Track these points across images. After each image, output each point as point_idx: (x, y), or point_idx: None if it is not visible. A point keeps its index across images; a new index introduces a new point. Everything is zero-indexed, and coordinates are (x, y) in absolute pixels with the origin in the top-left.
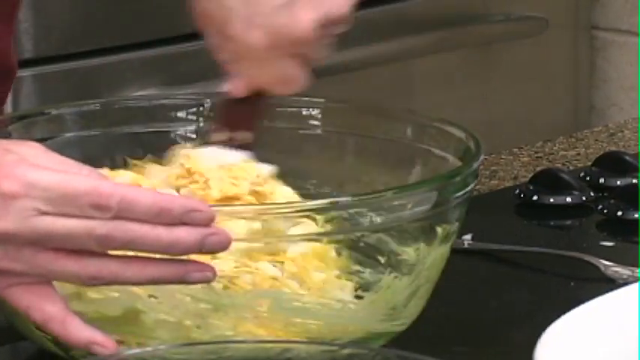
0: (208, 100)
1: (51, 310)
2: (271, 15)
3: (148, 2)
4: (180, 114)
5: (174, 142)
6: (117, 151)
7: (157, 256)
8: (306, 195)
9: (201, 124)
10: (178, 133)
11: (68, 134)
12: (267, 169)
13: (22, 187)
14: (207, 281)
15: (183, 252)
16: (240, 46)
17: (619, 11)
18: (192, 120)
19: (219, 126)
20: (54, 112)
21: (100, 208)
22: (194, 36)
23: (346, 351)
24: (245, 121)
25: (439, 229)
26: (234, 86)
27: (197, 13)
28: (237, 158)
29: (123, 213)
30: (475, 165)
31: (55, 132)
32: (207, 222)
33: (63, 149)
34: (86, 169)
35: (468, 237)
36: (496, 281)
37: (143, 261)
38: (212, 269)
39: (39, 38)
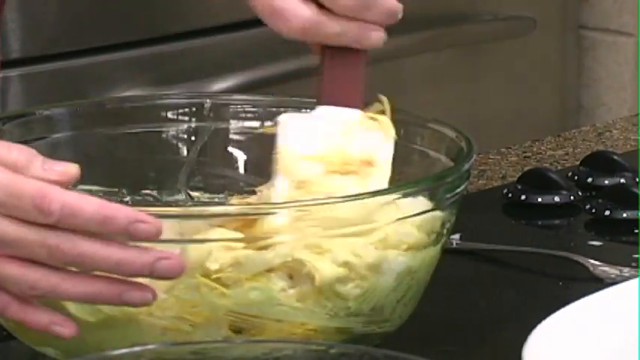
0: (208, 101)
1: (4, 298)
2: None
3: (136, 2)
4: (172, 114)
5: (166, 142)
6: (107, 152)
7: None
8: None
9: (193, 125)
10: (170, 133)
11: (57, 135)
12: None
13: None
14: (146, 303)
15: (132, 273)
16: None
17: (607, 11)
18: (184, 120)
19: (326, 90)
20: (44, 112)
21: (42, 212)
22: (182, 36)
23: (334, 351)
24: (351, 78)
25: (431, 230)
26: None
27: None
28: (350, 116)
29: (66, 219)
30: (467, 165)
31: (43, 132)
32: (151, 236)
33: (52, 150)
34: (26, 151)
35: (456, 237)
36: (484, 281)
37: (83, 277)
38: (152, 291)
39: (26, 38)
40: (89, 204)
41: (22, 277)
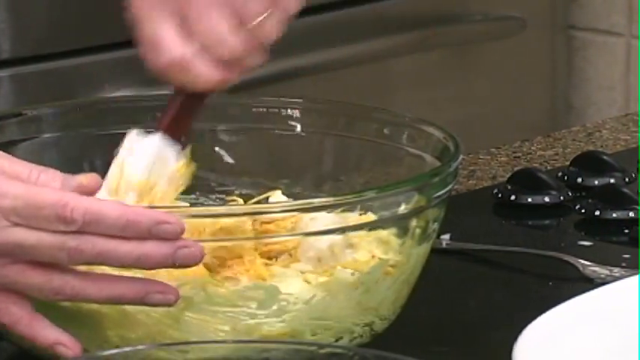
0: None
1: (17, 312)
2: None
3: (125, 2)
4: (160, 115)
5: None
6: (96, 152)
7: (123, 274)
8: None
9: None
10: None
11: (46, 135)
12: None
13: None
14: (169, 304)
15: (153, 266)
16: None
17: (597, 11)
18: None
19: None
20: (31, 112)
21: (64, 221)
22: None
23: (324, 351)
24: (185, 121)
25: (418, 229)
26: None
27: None
28: (173, 151)
29: (89, 226)
30: (454, 165)
31: (32, 133)
32: (177, 235)
33: (41, 150)
34: (59, 178)
35: (446, 237)
36: (474, 281)
37: (106, 279)
38: (175, 292)
39: (15, 39)
40: (112, 210)
41: (46, 284)
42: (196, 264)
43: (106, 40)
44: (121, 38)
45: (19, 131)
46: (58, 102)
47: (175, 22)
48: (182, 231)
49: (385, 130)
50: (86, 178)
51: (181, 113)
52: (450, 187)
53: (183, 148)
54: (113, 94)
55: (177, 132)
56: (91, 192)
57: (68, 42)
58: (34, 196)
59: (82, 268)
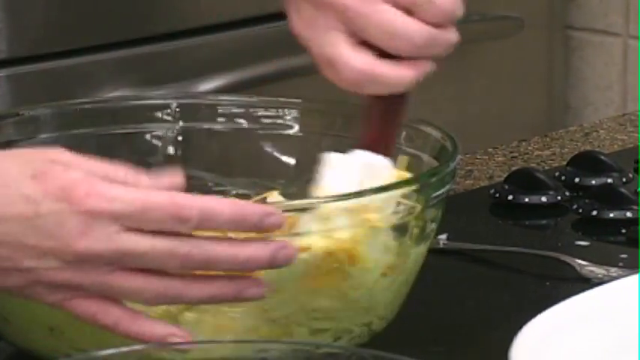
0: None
1: (117, 312)
2: None
3: (123, 2)
4: (157, 115)
5: (150, 143)
6: (93, 152)
7: (213, 273)
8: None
9: (181, 125)
10: (155, 133)
11: (43, 135)
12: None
13: (106, 205)
14: (260, 297)
15: (256, 268)
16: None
17: (594, 11)
18: (167, 120)
19: (365, 138)
20: (30, 113)
21: (181, 220)
22: (169, 36)
23: (321, 350)
24: (389, 132)
25: (416, 230)
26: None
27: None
28: (382, 164)
29: (203, 223)
30: (452, 165)
31: (30, 133)
32: (280, 226)
33: None
34: (129, 172)
35: (443, 237)
36: (471, 281)
37: (204, 280)
38: (266, 284)
39: (12, 39)
40: (224, 206)
41: (147, 288)
42: (290, 263)
43: (103, 40)
44: (118, 38)
45: (17, 132)
46: (56, 102)
47: (344, 33)
48: (284, 222)
49: None
50: (176, 177)
51: (383, 122)
52: (448, 187)
53: (391, 156)
54: (111, 95)
55: (381, 142)
56: (178, 190)
57: (65, 42)
58: (146, 198)
59: None
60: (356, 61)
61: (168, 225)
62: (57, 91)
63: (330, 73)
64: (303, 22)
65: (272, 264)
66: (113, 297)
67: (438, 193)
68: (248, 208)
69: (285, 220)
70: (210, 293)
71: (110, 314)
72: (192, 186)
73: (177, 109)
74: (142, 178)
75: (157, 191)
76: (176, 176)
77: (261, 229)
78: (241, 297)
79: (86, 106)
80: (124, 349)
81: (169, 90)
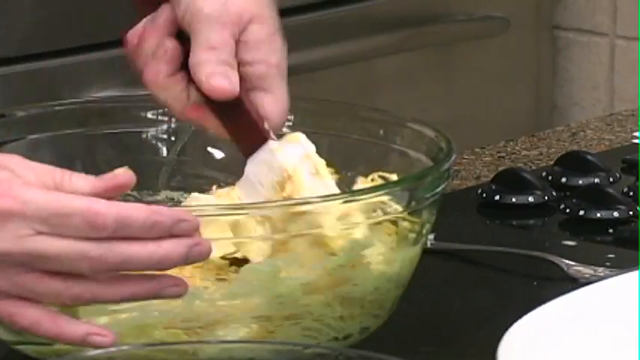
0: None
1: (35, 313)
2: None
3: (110, 2)
4: (152, 114)
5: (145, 143)
6: (87, 152)
7: (133, 273)
8: None
9: (173, 125)
10: (150, 133)
11: (37, 135)
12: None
13: (18, 206)
14: (180, 296)
15: (171, 267)
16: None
17: (581, 11)
18: (163, 120)
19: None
20: (22, 113)
21: (96, 227)
22: None
23: (309, 351)
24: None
25: (410, 230)
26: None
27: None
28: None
29: (119, 231)
30: (446, 165)
31: (23, 133)
32: (194, 231)
33: (32, 150)
34: (90, 181)
35: (430, 237)
36: (459, 281)
37: (121, 280)
38: (185, 283)
39: (0, 39)
40: (139, 212)
41: (64, 291)
42: (204, 260)
43: (90, 40)
44: (106, 38)
45: (9, 132)
46: (45, 103)
47: None
48: (197, 228)
49: (378, 130)
50: (123, 177)
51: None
52: (442, 187)
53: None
54: (99, 94)
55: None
56: (120, 192)
57: (53, 42)
58: (61, 203)
59: None
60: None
61: (82, 232)
62: (44, 91)
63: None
64: None
65: (187, 261)
66: (33, 299)
67: (431, 193)
68: (163, 213)
69: (199, 225)
70: (127, 293)
71: (28, 315)
72: (190, 186)
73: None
74: (85, 183)
75: (75, 197)
76: (125, 176)
77: (174, 234)
78: (161, 295)
79: (78, 105)
80: (112, 349)
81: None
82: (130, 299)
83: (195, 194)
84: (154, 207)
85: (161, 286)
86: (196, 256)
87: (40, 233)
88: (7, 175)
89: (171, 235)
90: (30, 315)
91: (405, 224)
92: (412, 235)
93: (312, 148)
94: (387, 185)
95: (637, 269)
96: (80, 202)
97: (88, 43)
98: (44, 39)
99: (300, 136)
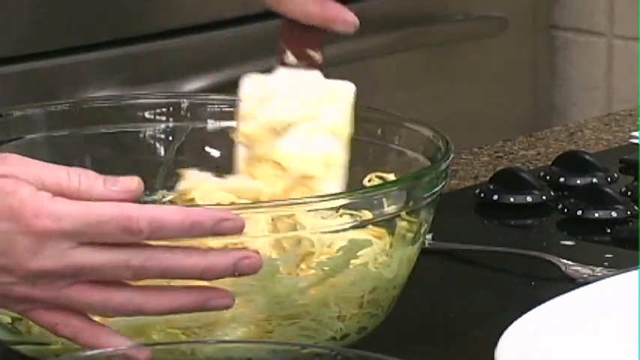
0: (185, 101)
1: (78, 324)
2: None
3: (108, 2)
4: (149, 114)
5: (143, 142)
6: (84, 152)
7: (178, 284)
8: None
9: (170, 125)
10: (148, 133)
11: (34, 135)
12: (346, 87)
13: (55, 224)
14: (227, 307)
15: (216, 277)
16: None
17: (579, 11)
18: (160, 120)
19: (288, 47)
20: (20, 112)
21: (131, 232)
22: (155, 36)
23: (307, 351)
24: (311, 41)
25: (407, 230)
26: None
27: None
28: (314, 78)
29: (155, 234)
30: (444, 165)
31: (21, 133)
32: (238, 230)
33: (26, 151)
34: (101, 181)
35: (428, 237)
36: (457, 281)
37: (166, 291)
38: (231, 295)
39: None
40: (174, 214)
41: (107, 302)
42: (255, 273)
43: (88, 40)
44: (104, 38)
45: (6, 131)
46: (42, 102)
47: None
48: (242, 227)
49: (375, 129)
50: (133, 183)
51: (301, 37)
52: (439, 187)
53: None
54: (96, 94)
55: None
56: (137, 196)
57: (50, 42)
58: (94, 213)
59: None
60: None
61: (118, 238)
62: (42, 91)
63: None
64: None
65: (233, 272)
66: (77, 310)
67: (429, 193)
68: (202, 213)
69: (244, 224)
70: (172, 304)
71: (71, 325)
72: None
73: (169, 109)
74: (97, 183)
75: (107, 204)
76: (133, 181)
77: (218, 235)
78: (207, 307)
79: (75, 105)
80: (109, 349)
81: (154, 89)
82: (174, 311)
83: (193, 171)
84: (191, 208)
85: (206, 298)
86: (245, 269)
87: (80, 245)
88: (30, 191)
89: (213, 234)
90: (72, 325)
91: (403, 224)
92: (410, 235)
93: (340, 153)
94: (384, 185)
95: (635, 269)
96: (113, 209)
97: (86, 43)
98: (41, 39)
99: (344, 132)
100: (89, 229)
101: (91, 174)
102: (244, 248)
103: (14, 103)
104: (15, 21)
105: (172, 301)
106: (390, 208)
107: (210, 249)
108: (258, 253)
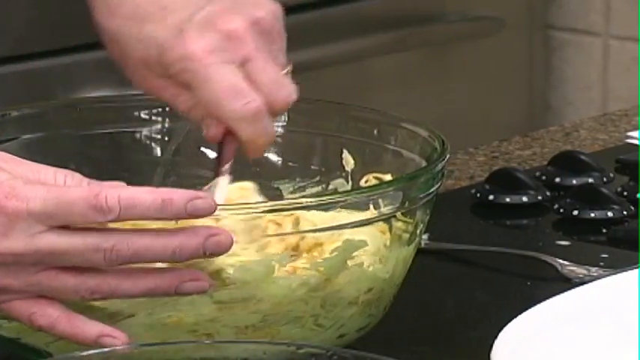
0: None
1: (54, 313)
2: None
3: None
4: (145, 114)
5: (139, 143)
6: (81, 153)
7: (153, 267)
8: (268, 195)
9: (167, 125)
10: (144, 133)
11: (30, 135)
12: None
13: (24, 206)
14: (202, 291)
15: (187, 258)
16: (183, 62)
17: (575, 11)
18: (157, 120)
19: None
20: (15, 113)
21: (101, 210)
22: None
23: (302, 351)
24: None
25: (404, 230)
26: (208, 134)
27: (134, 79)
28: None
29: (126, 212)
30: (440, 165)
31: (16, 133)
32: (210, 210)
33: (25, 151)
34: (85, 182)
35: (424, 237)
36: (452, 281)
37: (139, 273)
38: (207, 279)
39: None
40: (145, 193)
41: (80, 286)
42: (226, 252)
43: (83, 40)
44: (98, 38)
45: (1, 131)
46: (38, 102)
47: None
48: (215, 206)
49: (371, 130)
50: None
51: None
52: (435, 187)
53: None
54: (93, 94)
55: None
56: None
57: (45, 42)
58: (64, 193)
59: None
60: (258, 98)
61: (90, 217)
62: (38, 91)
63: (230, 101)
64: (206, 53)
65: (203, 251)
66: (48, 296)
67: (425, 193)
68: (172, 192)
69: (215, 204)
70: (146, 287)
71: (47, 316)
72: (185, 186)
73: (165, 109)
74: (82, 184)
75: (75, 187)
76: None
77: (190, 214)
78: (181, 291)
79: (71, 105)
80: (105, 349)
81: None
82: (149, 293)
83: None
84: (161, 188)
85: (181, 280)
86: (214, 247)
87: (50, 229)
88: (6, 177)
89: (188, 215)
90: (48, 315)
91: (399, 224)
92: (406, 235)
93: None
94: (380, 185)
95: (631, 269)
96: (81, 190)
97: (82, 43)
98: (37, 38)
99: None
100: (59, 211)
101: (77, 175)
102: (212, 226)
103: (10, 103)
104: (11, 21)
105: (146, 283)
106: (386, 209)
107: (180, 229)
108: (227, 231)
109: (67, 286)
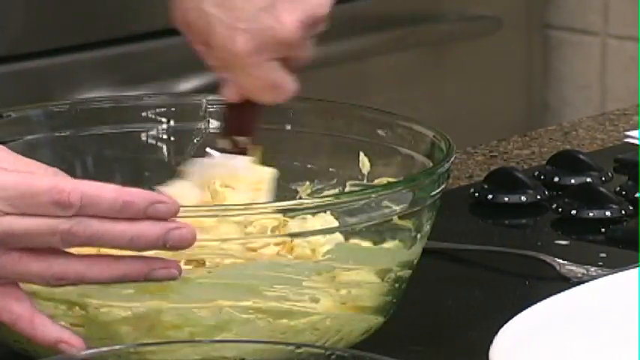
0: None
1: (18, 310)
2: (254, 19)
3: (101, 2)
4: (149, 114)
5: (145, 143)
6: (85, 153)
7: (123, 254)
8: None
9: (172, 124)
10: (149, 133)
11: (34, 136)
12: (267, 172)
13: None
14: (172, 278)
15: (145, 247)
16: (226, 54)
17: (573, 10)
18: (161, 120)
19: (222, 132)
20: (20, 113)
21: (62, 205)
22: (148, 36)
23: (301, 350)
24: (244, 126)
25: (412, 230)
26: (227, 93)
27: (178, 21)
28: (241, 164)
29: (86, 209)
30: (446, 165)
31: (21, 134)
32: (171, 214)
33: (30, 151)
34: (51, 170)
35: None
36: (451, 280)
37: (107, 259)
38: (177, 266)
39: None
40: (107, 191)
41: (46, 271)
42: (188, 246)
43: (82, 39)
44: (96, 38)
45: (6, 132)
46: (42, 103)
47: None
48: (176, 211)
49: (376, 130)
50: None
51: (244, 118)
52: (443, 186)
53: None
54: (91, 94)
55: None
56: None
57: (44, 42)
58: (28, 184)
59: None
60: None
61: (50, 210)
62: (36, 90)
63: (270, 93)
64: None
65: (163, 243)
66: (17, 281)
67: (434, 192)
68: (135, 194)
69: (178, 208)
70: (114, 273)
71: (10, 312)
72: None
73: (169, 109)
74: (40, 165)
75: (43, 177)
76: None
77: (150, 217)
78: (151, 277)
79: (76, 105)
80: (104, 348)
81: (148, 89)
82: (117, 280)
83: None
84: (126, 188)
85: (150, 267)
86: (176, 241)
87: (7, 214)
88: None
89: (146, 216)
90: (12, 311)
91: (406, 225)
92: (414, 236)
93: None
94: (388, 186)
95: (629, 269)
96: (46, 182)
97: (80, 43)
98: (35, 38)
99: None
100: (21, 199)
101: (62, 174)
102: (177, 220)
103: (8, 103)
104: (8, 21)
105: (115, 269)
106: (391, 210)
107: (146, 218)
108: (191, 225)
109: (31, 271)
